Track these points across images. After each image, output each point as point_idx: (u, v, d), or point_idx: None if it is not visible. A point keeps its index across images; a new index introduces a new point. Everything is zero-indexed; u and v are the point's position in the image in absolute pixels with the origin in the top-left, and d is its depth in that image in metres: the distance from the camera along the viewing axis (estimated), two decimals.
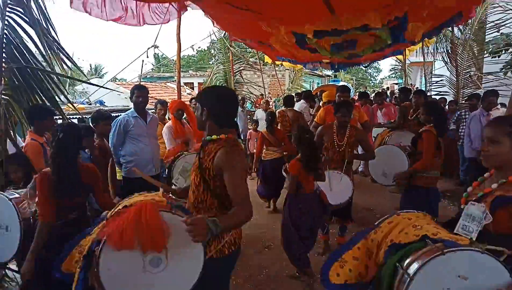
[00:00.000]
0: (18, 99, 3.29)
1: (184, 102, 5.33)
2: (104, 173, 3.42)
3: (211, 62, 26.11)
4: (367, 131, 4.54)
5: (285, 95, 10.92)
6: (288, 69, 16.56)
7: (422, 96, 5.60)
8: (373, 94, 9.85)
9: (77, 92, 13.32)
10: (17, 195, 2.45)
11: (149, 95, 4.02)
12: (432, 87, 9.63)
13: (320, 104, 7.35)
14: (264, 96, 11.12)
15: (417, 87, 17.24)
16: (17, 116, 3.37)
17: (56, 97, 3.50)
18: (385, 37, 3.78)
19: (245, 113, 8.48)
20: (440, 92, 8.68)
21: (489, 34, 7.98)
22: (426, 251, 1.46)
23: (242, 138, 6.89)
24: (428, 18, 3.63)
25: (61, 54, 3.41)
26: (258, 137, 5.48)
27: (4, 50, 3.16)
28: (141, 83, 8.57)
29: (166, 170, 4.97)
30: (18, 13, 3.24)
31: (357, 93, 7.91)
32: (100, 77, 15.83)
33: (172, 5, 4.46)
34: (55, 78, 3.48)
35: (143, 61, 8.97)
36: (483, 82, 8.03)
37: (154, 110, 5.48)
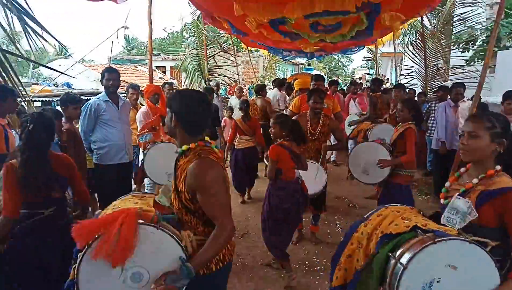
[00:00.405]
0: None
1: (160, 87, 5.21)
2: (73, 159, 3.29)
3: (183, 46, 25.46)
4: (339, 120, 4.62)
5: (258, 82, 10.88)
6: (262, 56, 16.42)
7: (402, 91, 5.75)
8: (348, 84, 10.01)
9: (42, 75, 12.61)
10: None
11: (120, 78, 3.89)
12: (401, 78, 9.90)
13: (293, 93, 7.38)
14: (238, 82, 11.01)
15: (388, 78, 17.71)
16: None
17: (17, 78, 3.21)
18: (363, 20, 3.80)
19: (219, 100, 8.39)
20: (410, 83, 8.92)
21: (455, 27, 8.26)
22: (417, 240, 1.51)
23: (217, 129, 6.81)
24: (400, 10, 3.68)
25: (28, 29, 3.15)
26: (232, 125, 5.46)
27: None
28: (111, 65, 8.25)
29: (139, 157, 4.88)
30: None
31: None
32: (66, 58, 15.00)
33: None
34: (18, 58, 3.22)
35: (112, 42, 8.65)
36: (449, 74, 8.32)
37: (125, 94, 5.30)
